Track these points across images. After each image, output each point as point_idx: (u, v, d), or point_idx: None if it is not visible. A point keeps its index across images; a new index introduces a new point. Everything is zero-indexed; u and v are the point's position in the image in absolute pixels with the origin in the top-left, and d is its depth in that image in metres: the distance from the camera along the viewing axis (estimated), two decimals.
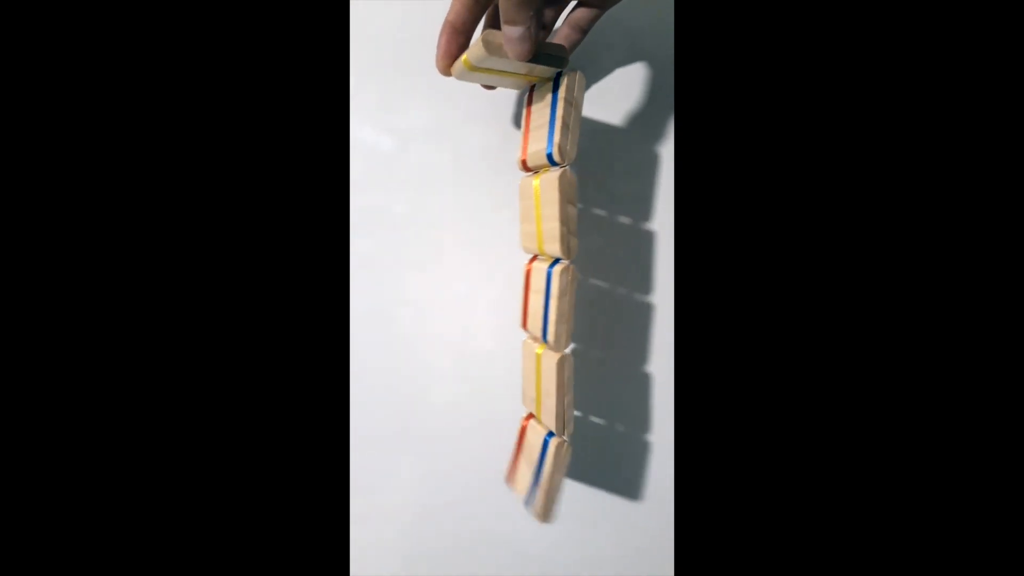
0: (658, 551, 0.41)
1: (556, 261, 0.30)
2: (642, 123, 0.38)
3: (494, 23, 0.31)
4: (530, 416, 0.34)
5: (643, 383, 0.40)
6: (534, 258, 0.33)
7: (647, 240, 0.38)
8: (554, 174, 0.28)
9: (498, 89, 0.35)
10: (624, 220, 0.38)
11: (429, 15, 0.36)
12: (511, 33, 0.25)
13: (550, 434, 0.31)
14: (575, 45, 0.32)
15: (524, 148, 0.32)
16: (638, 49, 0.37)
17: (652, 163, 0.38)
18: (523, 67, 0.28)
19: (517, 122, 0.37)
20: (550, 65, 0.28)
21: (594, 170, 0.38)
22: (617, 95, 0.37)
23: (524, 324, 0.33)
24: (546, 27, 0.31)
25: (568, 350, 0.30)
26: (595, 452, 0.40)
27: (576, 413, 0.39)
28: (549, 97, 0.29)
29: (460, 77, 0.30)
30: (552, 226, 0.29)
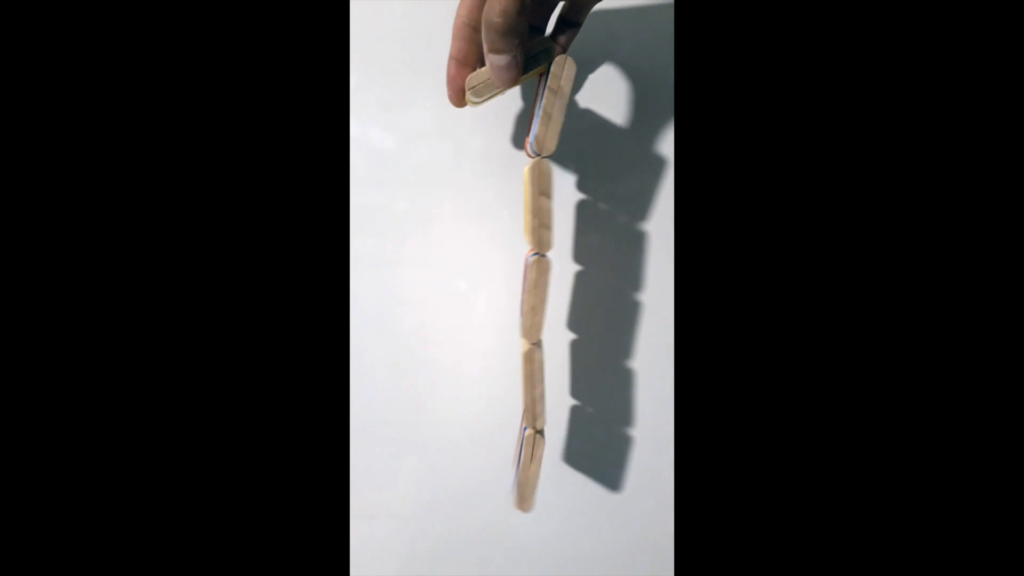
0: (658, 548, 0.41)
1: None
2: (643, 121, 0.38)
3: None
4: None
5: (643, 379, 0.40)
6: (532, 250, 0.33)
7: (647, 237, 0.38)
8: (528, 165, 0.28)
9: None
10: (624, 216, 0.38)
11: (431, 13, 0.36)
12: (497, 62, 0.26)
13: (526, 426, 0.31)
14: (570, 39, 0.32)
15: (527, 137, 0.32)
16: (639, 47, 0.37)
17: (653, 161, 0.38)
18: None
19: (519, 119, 0.37)
20: (538, 65, 0.28)
21: (596, 167, 0.38)
22: (618, 93, 0.37)
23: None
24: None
25: (537, 341, 0.30)
26: (595, 449, 0.40)
27: (575, 402, 0.39)
28: (541, 85, 0.29)
29: (472, 105, 0.31)
30: (527, 218, 0.29)
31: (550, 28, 0.32)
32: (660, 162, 0.38)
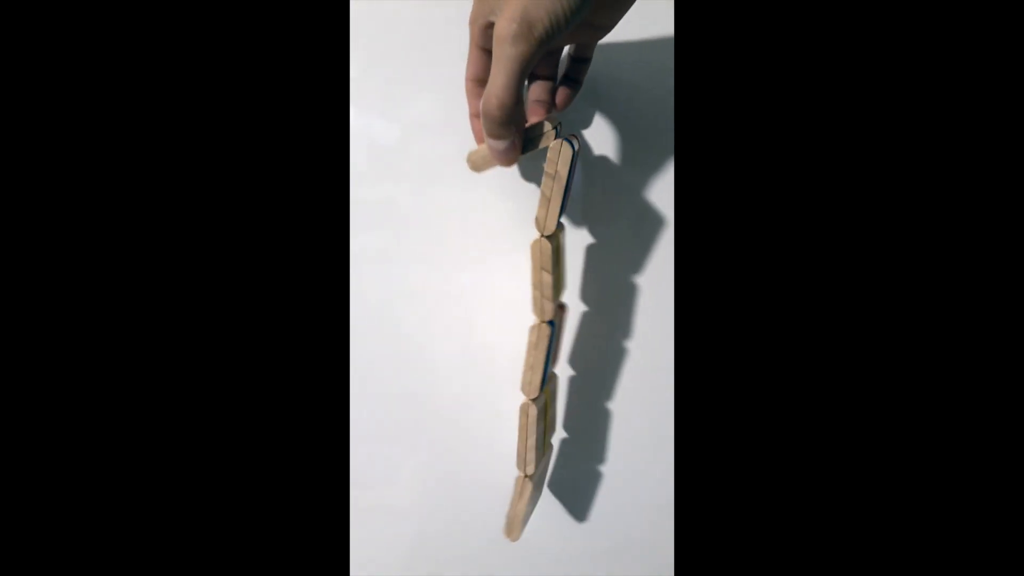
0: (659, 548, 0.41)
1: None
2: (643, 119, 0.37)
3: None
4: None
5: (644, 372, 0.40)
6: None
7: (647, 238, 0.38)
8: (532, 240, 0.29)
9: None
10: (624, 220, 0.38)
11: (434, 5, 0.36)
12: (496, 146, 0.27)
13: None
14: (583, 74, 0.33)
15: None
16: (640, 51, 0.37)
17: (653, 159, 0.38)
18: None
19: None
20: (531, 150, 0.28)
21: (597, 164, 0.37)
22: (619, 94, 0.37)
23: None
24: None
25: (533, 398, 0.31)
26: (596, 452, 0.40)
27: (580, 400, 0.39)
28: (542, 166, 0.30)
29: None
30: (532, 290, 0.30)
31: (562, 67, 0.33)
32: (661, 160, 0.38)
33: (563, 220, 0.32)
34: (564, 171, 0.28)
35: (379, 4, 0.36)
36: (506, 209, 0.37)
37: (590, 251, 0.38)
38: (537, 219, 0.29)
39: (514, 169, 0.36)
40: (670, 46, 0.37)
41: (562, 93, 0.33)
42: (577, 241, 0.38)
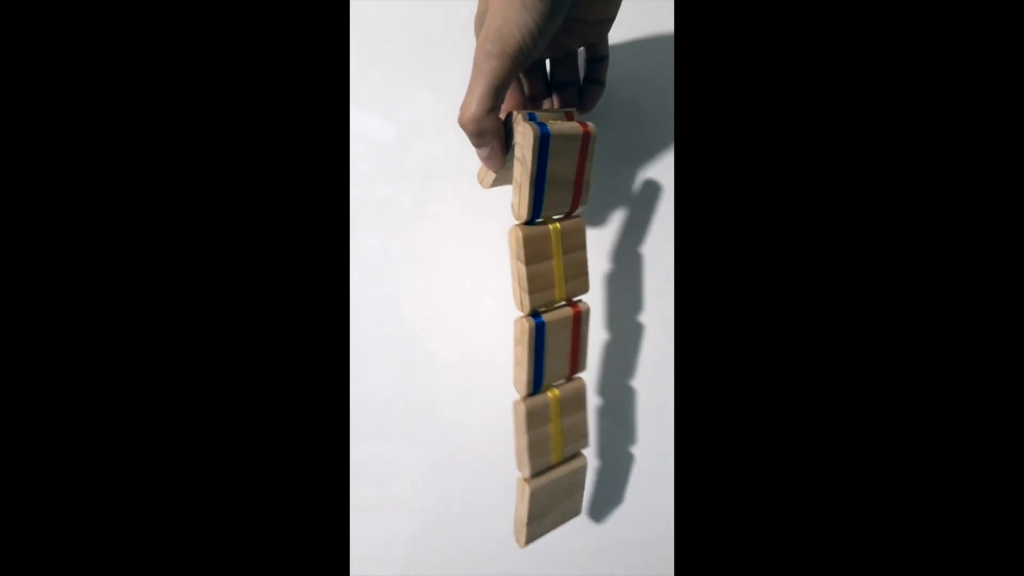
0: (659, 549, 0.41)
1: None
2: (644, 118, 0.37)
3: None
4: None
5: (644, 377, 0.40)
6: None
7: (648, 236, 0.38)
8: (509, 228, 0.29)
9: None
10: (624, 220, 0.38)
11: (433, 6, 0.36)
12: (480, 155, 0.29)
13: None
14: (604, 72, 0.33)
15: None
16: (639, 49, 0.37)
17: (654, 159, 0.38)
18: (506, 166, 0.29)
19: None
20: (511, 143, 0.28)
21: (596, 164, 0.37)
22: (619, 93, 0.37)
23: None
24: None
25: (523, 396, 0.31)
26: (596, 452, 0.40)
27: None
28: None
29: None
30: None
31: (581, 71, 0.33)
32: (661, 160, 0.38)
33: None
34: (530, 154, 0.27)
35: (379, 4, 0.36)
36: (506, 209, 0.37)
37: (590, 251, 0.38)
38: (513, 206, 0.29)
39: None
40: (670, 44, 0.37)
41: (586, 95, 0.33)
42: None
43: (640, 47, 0.37)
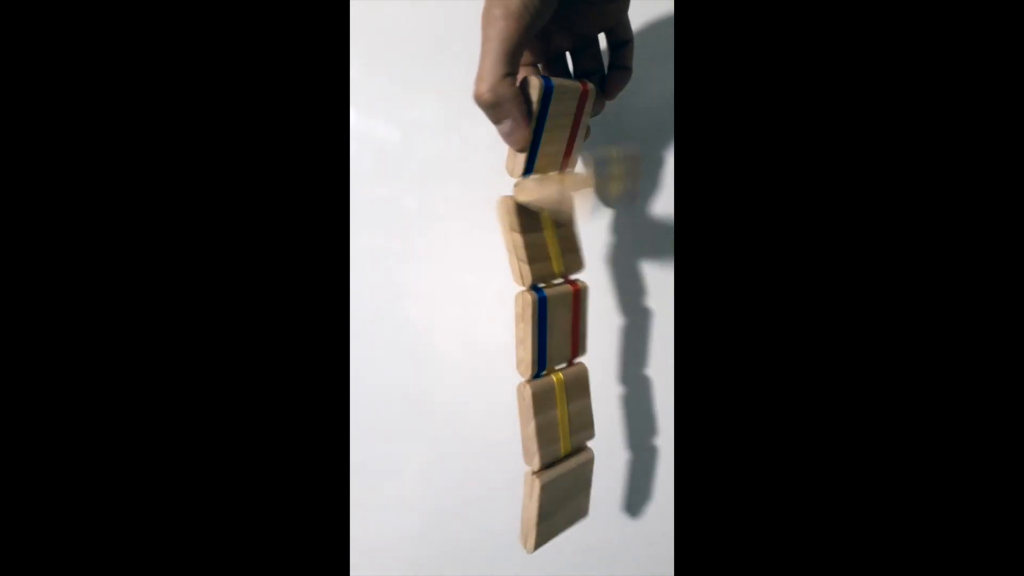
0: (659, 550, 0.41)
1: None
2: (643, 118, 0.37)
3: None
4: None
5: (644, 383, 0.40)
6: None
7: (648, 237, 0.38)
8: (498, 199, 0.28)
9: None
10: (624, 218, 0.38)
11: (434, 7, 0.36)
12: (501, 131, 0.27)
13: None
14: (630, 56, 0.33)
15: None
16: (639, 45, 0.37)
17: (654, 159, 0.38)
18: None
19: None
20: (533, 111, 0.27)
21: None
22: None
23: None
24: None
25: (528, 378, 0.29)
26: (596, 452, 0.40)
27: None
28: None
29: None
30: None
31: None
32: (661, 159, 0.38)
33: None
34: (533, 108, 0.26)
35: (379, 6, 0.36)
36: None
37: (589, 250, 0.38)
38: (506, 167, 0.27)
39: None
40: (670, 43, 0.37)
41: (610, 81, 0.32)
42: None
43: (640, 47, 0.37)
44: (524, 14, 0.24)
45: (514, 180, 0.28)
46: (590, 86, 0.29)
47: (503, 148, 0.37)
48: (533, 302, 0.28)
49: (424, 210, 0.38)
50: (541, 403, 0.29)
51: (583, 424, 0.32)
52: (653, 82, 0.37)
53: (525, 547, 0.32)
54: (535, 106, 0.26)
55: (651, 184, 0.38)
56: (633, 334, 0.39)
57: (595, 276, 0.38)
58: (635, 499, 0.41)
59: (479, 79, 0.25)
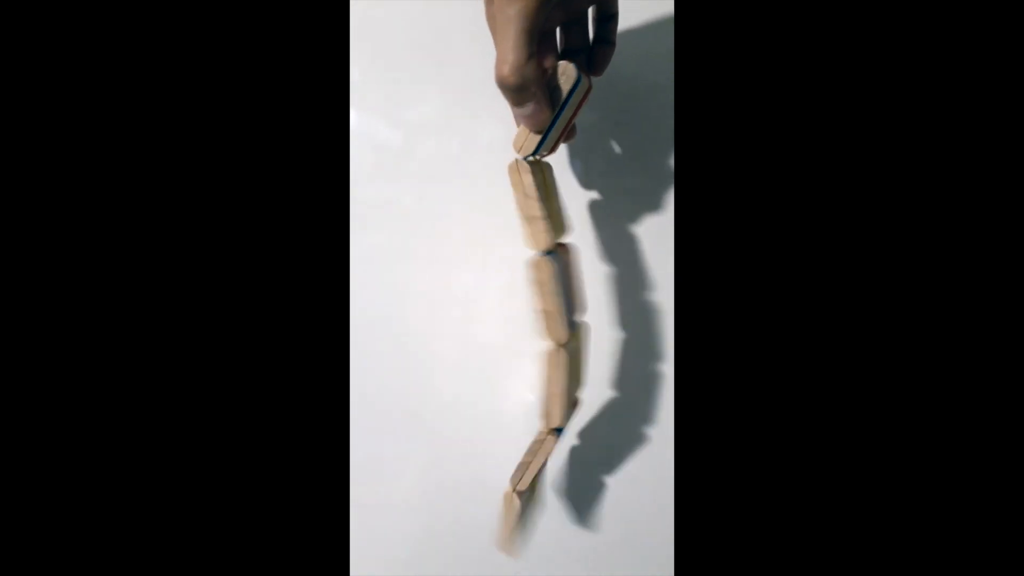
0: (659, 548, 0.41)
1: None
2: (644, 119, 0.37)
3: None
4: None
5: (644, 376, 0.40)
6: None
7: (648, 236, 0.38)
8: (510, 164, 0.28)
9: None
10: (624, 218, 0.38)
11: (434, 7, 0.36)
12: (522, 113, 0.26)
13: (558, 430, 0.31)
14: (614, 32, 0.32)
15: None
16: (639, 47, 0.37)
17: (654, 158, 0.38)
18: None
19: None
20: (561, 99, 0.27)
21: (596, 162, 0.37)
22: (618, 91, 0.37)
23: None
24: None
25: (554, 343, 0.29)
26: (596, 452, 0.40)
27: (575, 397, 0.39)
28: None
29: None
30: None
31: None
32: (662, 159, 0.38)
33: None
34: (563, 95, 0.26)
35: (380, 6, 0.36)
36: (507, 209, 0.37)
37: (589, 250, 0.38)
38: (515, 143, 0.27)
39: None
40: (670, 41, 0.37)
41: (597, 56, 0.32)
42: (577, 240, 0.38)
43: (640, 46, 0.37)
44: None
45: (517, 156, 0.28)
46: (591, 82, 0.29)
47: (504, 147, 0.37)
48: (552, 263, 0.28)
49: (424, 210, 0.38)
50: (571, 367, 0.29)
51: (580, 384, 0.33)
52: (653, 83, 0.37)
53: (508, 553, 0.32)
54: (564, 94, 0.26)
55: (651, 184, 0.38)
56: (633, 336, 0.39)
57: (595, 275, 0.38)
58: (635, 499, 0.41)
59: (501, 61, 0.24)
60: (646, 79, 0.37)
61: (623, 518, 0.41)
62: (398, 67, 0.37)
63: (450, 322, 0.39)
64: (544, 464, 0.31)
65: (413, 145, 0.37)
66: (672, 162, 0.38)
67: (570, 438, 0.40)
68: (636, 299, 0.39)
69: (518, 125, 0.28)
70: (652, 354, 0.39)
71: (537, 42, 0.24)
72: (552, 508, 0.41)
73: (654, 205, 0.38)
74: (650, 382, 0.40)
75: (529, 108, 0.26)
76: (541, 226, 0.28)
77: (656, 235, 0.38)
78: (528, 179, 0.28)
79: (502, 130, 0.37)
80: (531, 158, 0.29)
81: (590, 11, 0.32)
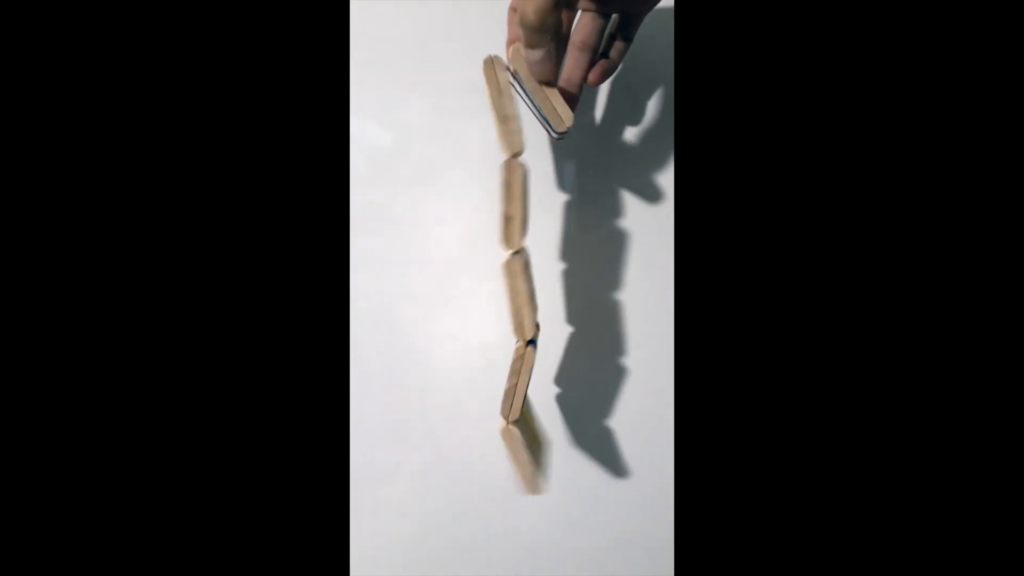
0: (659, 548, 0.41)
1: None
2: (643, 119, 0.37)
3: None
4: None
5: (643, 373, 0.40)
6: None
7: (648, 236, 0.38)
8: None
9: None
10: (624, 217, 0.38)
11: (429, 10, 0.36)
12: (532, 57, 0.27)
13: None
14: (604, 76, 0.32)
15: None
16: (639, 46, 0.37)
17: (654, 159, 0.38)
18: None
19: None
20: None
21: (596, 162, 0.37)
22: (618, 92, 0.37)
23: None
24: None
25: (510, 251, 0.28)
26: (596, 451, 0.40)
27: (573, 396, 0.39)
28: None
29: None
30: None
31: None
32: (661, 159, 0.38)
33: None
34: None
35: (378, 10, 0.36)
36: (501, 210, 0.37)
37: (589, 250, 0.38)
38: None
39: None
40: (670, 40, 0.37)
41: (597, 69, 0.32)
42: (577, 239, 0.38)
43: (640, 45, 0.37)
44: None
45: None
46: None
47: (497, 150, 0.37)
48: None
49: (420, 212, 0.38)
50: (528, 275, 0.29)
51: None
52: (653, 87, 0.37)
53: (534, 493, 0.30)
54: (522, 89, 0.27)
55: (651, 186, 0.38)
56: (633, 335, 0.39)
57: (595, 274, 0.38)
58: (635, 499, 0.41)
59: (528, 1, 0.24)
60: (646, 78, 0.37)
61: (623, 518, 0.41)
62: (390, 70, 0.37)
63: (447, 323, 0.39)
64: (528, 385, 0.30)
65: (408, 148, 0.37)
66: (672, 162, 0.37)
67: (570, 438, 0.40)
68: (636, 299, 0.39)
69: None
70: (652, 354, 0.39)
71: (567, 4, 0.25)
72: (552, 508, 0.41)
73: (653, 203, 0.38)
74: (650, 382, 0.39)
75: (538, 54, 0.26)
76: (513, 126, 0.28)
77: (656, 235, 0.38)
78: (504, 76, 0.28)
79: (494, 132, 0.37)
80: (510, 68, 0.29)
81: (613, 19, 0.31)
